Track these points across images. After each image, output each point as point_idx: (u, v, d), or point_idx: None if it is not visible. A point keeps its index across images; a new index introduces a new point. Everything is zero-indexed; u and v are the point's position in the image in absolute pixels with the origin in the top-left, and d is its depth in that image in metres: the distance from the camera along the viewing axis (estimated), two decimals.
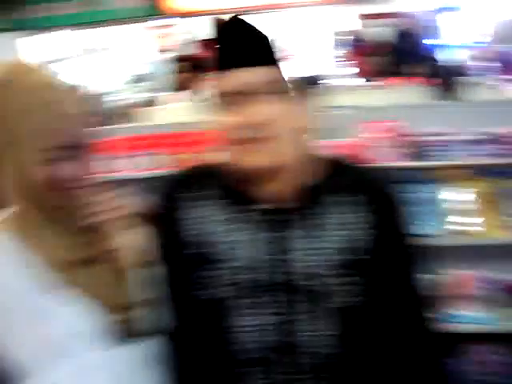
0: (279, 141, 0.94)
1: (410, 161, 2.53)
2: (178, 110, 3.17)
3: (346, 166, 1.07)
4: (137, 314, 1.07)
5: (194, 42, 7.38)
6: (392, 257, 0.99)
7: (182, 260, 1.02)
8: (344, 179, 1.02)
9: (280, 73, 0.96)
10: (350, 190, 1.01)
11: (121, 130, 2.87)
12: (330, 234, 0.98)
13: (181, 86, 5.81)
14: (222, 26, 0.99)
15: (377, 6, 7.28)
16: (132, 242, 1.15)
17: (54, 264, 1.01)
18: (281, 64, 0.97)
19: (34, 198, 1.01)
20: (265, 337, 0.97)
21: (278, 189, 0.99)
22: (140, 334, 1.09)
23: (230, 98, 0.94)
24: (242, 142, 0.94)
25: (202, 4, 7.42)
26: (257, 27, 0.97)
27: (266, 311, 0.97)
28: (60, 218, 1.04)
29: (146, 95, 4.83)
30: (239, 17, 0.98)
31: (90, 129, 1.04)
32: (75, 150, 1.01)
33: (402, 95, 2.87)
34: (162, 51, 8.81)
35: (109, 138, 2.70)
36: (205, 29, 7.58)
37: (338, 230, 0.98)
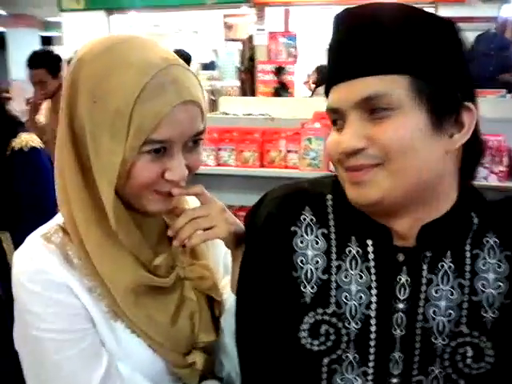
0: (401, 165, 0.74)
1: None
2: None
3: (476, 194, 0.86)
4: (205, 356, 0.91)
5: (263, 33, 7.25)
6: None
7: (287, 297, 0.83)
8: (476, 213, 0.83)
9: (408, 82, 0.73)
10: (481, 230, 0.82)
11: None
12: (452, 283, 0.80)
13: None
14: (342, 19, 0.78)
15: (458, 9, 6.92)
16: (217, 267, 0.99)
17: (117, 289, 0.83)
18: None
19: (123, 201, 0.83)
20: None
21: (397, 224, 0.80)
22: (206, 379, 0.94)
23: (341, 115, 0.76)
24: (350, 169, 0.77)
25: None
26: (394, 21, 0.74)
27: (371, 372, 0.80)
28: (139, 230, 0.86)
29: (210, 84, 4.75)
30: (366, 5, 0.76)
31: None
32: (190, 142, 0.83)
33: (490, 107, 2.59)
34: (229, 40, 8.79)
35: None
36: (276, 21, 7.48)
37: (462, 279, 0.80)
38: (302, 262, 0.83)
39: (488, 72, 4.92)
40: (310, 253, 0.83)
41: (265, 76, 5.02)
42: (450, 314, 0.79)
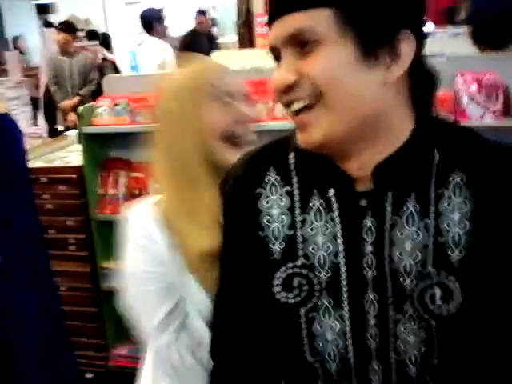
0: (335, 100, 0.75)
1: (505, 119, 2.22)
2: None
3: (447, 127, 0.84)
4: None
5: None
6: (493, 259, 0.78)
7: (257, 256, 0.86)
8: (438, 149, 0.80)
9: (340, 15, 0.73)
10: (446, 168, 0.79)
11: None
12: (417, 224, 0.79)
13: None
14: None
15: None
16: None
17: (191, 254, 1.05)
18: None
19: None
20: (346, 344, 0.81)
21: (352, 167, 0.80)
22: None
23: (278, 53, 0.79)
24: (286, 105, 0.80)
25: None
26: None
27: (347, 314, 0.81)
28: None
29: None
30: None
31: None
32: None
33: None
34: None
35: None
36: None
37: (428, 219, 0.79)
38: (268, 221, 0.85)
39: None
40: (275, 211, 0.85)
41: (263, 29, 4.90)
42: (417, 255, 0.78)
